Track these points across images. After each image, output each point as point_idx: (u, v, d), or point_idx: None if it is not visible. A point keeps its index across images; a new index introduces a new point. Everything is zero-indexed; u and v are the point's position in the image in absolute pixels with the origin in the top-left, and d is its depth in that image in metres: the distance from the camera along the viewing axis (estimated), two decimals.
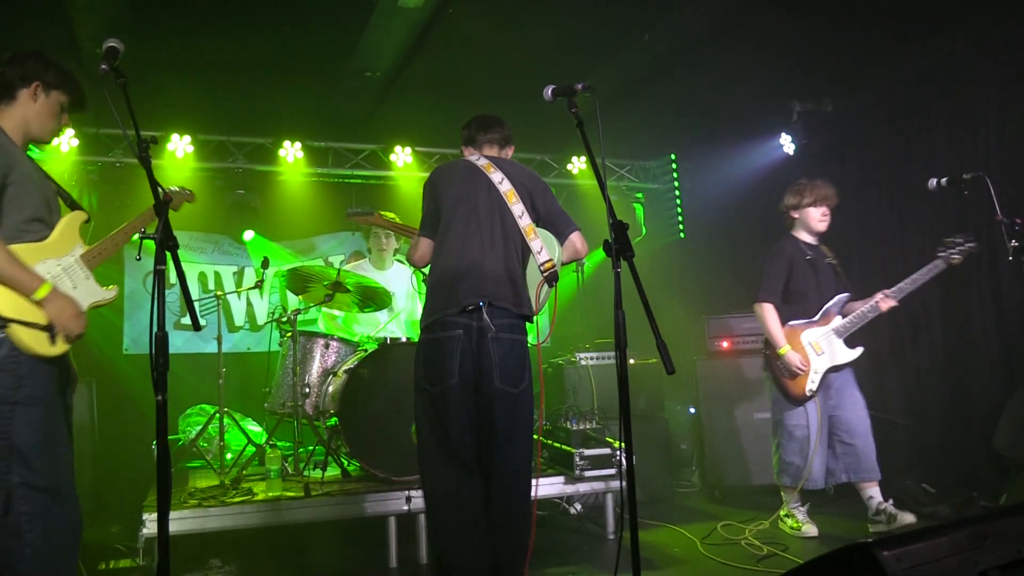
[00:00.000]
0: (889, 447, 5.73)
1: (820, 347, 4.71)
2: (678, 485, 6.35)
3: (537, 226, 3.39)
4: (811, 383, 4.69)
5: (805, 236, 4.89)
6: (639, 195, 8.81)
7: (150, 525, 3.94)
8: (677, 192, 8.38)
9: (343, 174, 7.69)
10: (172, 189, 3.45)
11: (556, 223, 3.44)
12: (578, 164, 8.29)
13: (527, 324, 3.36)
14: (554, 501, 5.26)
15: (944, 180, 4.27)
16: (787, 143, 7.19)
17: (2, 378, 2.60)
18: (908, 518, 4.49)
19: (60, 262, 2.85)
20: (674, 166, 8.44)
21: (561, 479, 4.82)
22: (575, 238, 3.43)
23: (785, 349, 4.69)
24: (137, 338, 7.25)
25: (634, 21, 5.69)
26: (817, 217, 4.83)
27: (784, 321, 4.78)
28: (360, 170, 7.69)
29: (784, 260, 4.84)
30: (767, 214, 7.36)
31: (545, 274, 3.31)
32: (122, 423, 6.34)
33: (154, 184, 2.19)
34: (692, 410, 6.59)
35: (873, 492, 4.66)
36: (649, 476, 5.78)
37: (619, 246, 2.47)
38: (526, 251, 3.37)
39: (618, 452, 4.80)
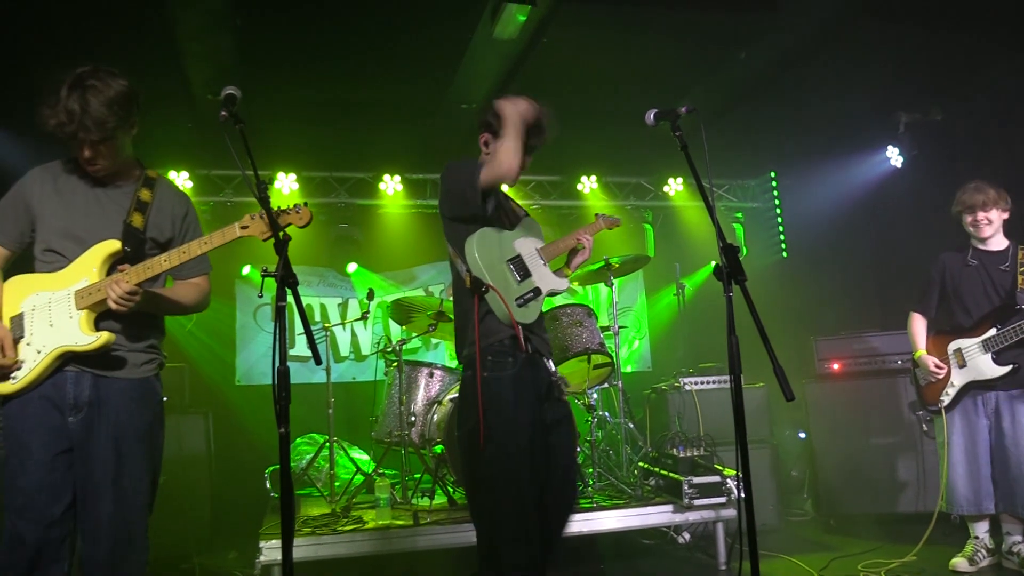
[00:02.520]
0: None
1: (963, 359, 4.40)
2: (789, 513, 6.13)
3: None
4: (944, 395, 4.43)
5: (977, 243, 4.52)
6: (739, 214, 8.64)
7: (267, 552, 4.04)
8: (778, 210, 8.18)
9: None
10: (284, 211, 2.90)
11: None
12: (675, 186, 8.20)
13: (470, 358, 3.02)
14: (662, 530, 5.15)
15: None
16: (894, 156, 6.94)
17: None
18: None
19: (52, 295, 2.66)
20: (774, 184, 8.24)
21: (669, 507, 4.72)
22: None
23: (920, 352, 4.52)
24: (248, 370, 7.51)
25: (730, 40, 5.62)
26: (968, 225, 4.49)
27: (938, 330, 4.58)
28: None
29: (935, 270, 4.61)
30: (875, 230, 7.14)
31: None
32: (236, 452, 6.56)
33: (275, 225, 2.26)
34: (802, 435, 6.37)
35: (1014, 528, 4.34)
36: (759, 504, 5.57)
37: (731, 270, 2.42)
38: (459, 278, 3.13)
39: (728, 480, 4.68)
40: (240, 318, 7.57)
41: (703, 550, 4.99)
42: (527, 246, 3.21)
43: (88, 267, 2.66)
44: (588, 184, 7.96)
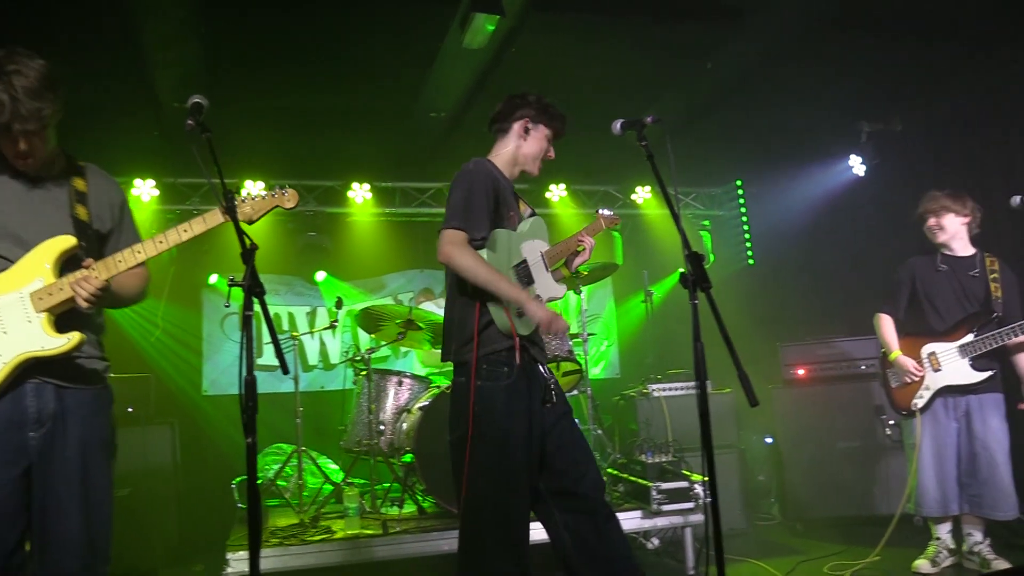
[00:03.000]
0: None
1: (939, 363, 4.43)
2: (757, 518, 6.20)
3: None
4: (918, 398, 4.46)
5: (944, 249, 4.59)
6: (706, 222, 8.73)
7: (234, 564, 4.00)
8: (744, 218, 8.28)
9: (410, 213, 7.82)
10: (270, 193, 2.93)
11: None
12: (643, 194, 8.27)
13: (465, 364, 2.97)
14: (631, 535, 5.18)
15: None
16: (857, 164, 7.06)
17: None
18: (1001, 564, 4.28)
19: (0, 300, 2.43)
20: (740, 192, 8.35)
21: (638, 513, 4.75)
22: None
23: (897, 353, 4.53)
24: (216, 379, 7.44)
25: (696, 50, 5.69)
26: (925, 231, 4.60)
27: (907, 332, 4.60)
28: (427, 208, 7.81)
29: (904, 273, 4.67)
30: (839, 237, 7.25)
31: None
32: (202, 463, 6.50)
33: (240, 233, 2.25)
34: (769, 440, 6.44)
35: (975, 529, 4.43)
36: (727, 509, 5.64)
37: (696, 277, 2.45)
38: (458, 279, 3.02)
39: (696, 485, 4.72)
40: (207, 327, 7.50)
41: (672, 555, 5.03)
42: (533, 251, 3.19)
43: (39, 266, 2.45)
44: (557, 192, 8.00)
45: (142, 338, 6.97)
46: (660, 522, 4.74)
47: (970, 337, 4.36)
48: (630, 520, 4.75)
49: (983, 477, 4.29)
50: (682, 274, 2.50)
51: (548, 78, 5.87)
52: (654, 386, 6.01)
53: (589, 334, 5.57)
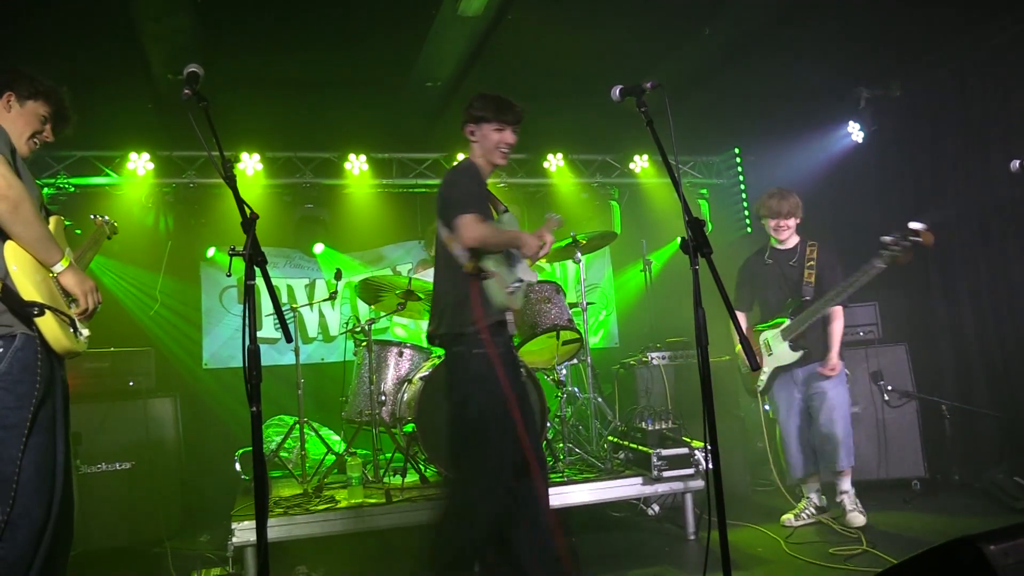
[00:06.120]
0: (977, 440, 5.57)
1: (769, 347, 4.90)
2: (756, 484, 6.24)
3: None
4: (759, 382, 4.99)
5: (775, 243, 5.09)
6: (704, 191, 8.70)
7: (239, 534, 4.05)
8: (742, 186, 8.26)
9: (407, 184, 7.79)
10: (100, 218, 3.39)
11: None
12: (640, 163, 8.23)
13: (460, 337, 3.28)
14: (632, 502, 5.23)
15: None
16: (855, 131, 7.02)
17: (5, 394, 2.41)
18: (858, 517, 4.72)
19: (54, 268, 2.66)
20: (738, 160, 8.32)
21: (639, 480, 4.79)
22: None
23: (739, 347, 5.00)
24: (216, 352, 7.45)
25: (693, 16, 5.63)
26: (770, 228, 5.07)
27: (754, 323, 5.08)
28: (424, 179, 7.78)
29: (741, 273, 5.23)
30: (837, 204, 7.23)
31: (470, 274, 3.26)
32: (205, 435, 6.53)
33: (241, 203, 2.25)
34: (767, 407, 6.47)
35: (842, 485, 4.87)
36: (726, 475, 5.66)
37: (696, 243, 2.45)
38: (452, 261, 3.33)
39: (696, 452, 4.76)
40: (206, 301, 7.49)
41: (672, 521, 5.08)
42: None
43: (62, 240, 2.75)
44: (554, 162, 7.96)
45: (141, 312, 6.97)
46: (660, 488, 4.78)
47: (787, 322, 4.82)
48: (631, 487, 4.80)
49: (821, 436, 4.79)
50: (683, 239, 2.50)
51: (545, 46, 5.84)
52: (653, 354, 6.05)
53: (588, 303, 5.57)
